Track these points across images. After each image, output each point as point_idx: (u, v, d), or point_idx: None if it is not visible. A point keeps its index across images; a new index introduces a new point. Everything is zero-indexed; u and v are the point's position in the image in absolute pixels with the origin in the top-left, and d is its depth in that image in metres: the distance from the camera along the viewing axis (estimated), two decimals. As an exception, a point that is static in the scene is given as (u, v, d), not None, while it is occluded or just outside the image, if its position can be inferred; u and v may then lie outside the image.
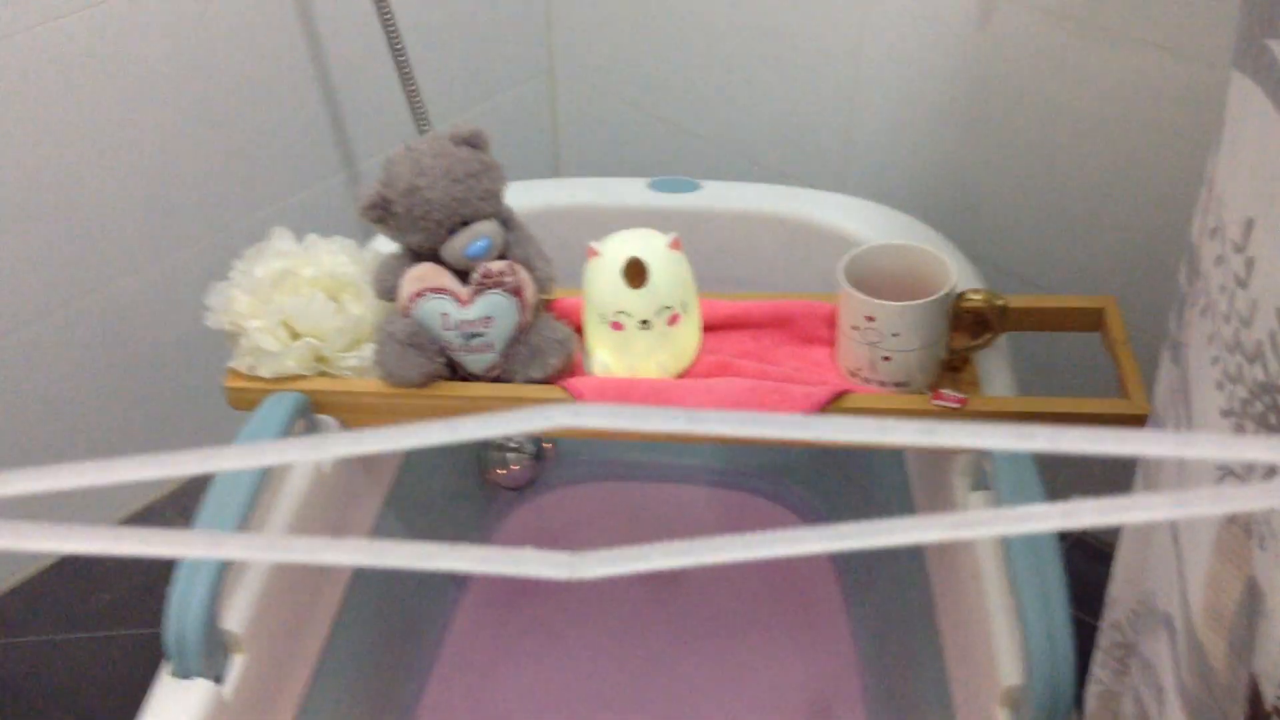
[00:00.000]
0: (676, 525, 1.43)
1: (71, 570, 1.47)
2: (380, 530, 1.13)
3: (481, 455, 1.38)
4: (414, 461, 1.21)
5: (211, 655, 0.82)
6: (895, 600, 1.17)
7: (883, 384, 0.98)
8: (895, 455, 1.20)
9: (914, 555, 1.10)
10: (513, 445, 1.38)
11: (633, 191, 1.26)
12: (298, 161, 1.49)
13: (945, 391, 0.96)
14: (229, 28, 1.36)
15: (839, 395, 0.97)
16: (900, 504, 1.16)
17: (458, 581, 1.32)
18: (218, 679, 0.83)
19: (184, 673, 0.81)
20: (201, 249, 1.45)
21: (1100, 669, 0.73)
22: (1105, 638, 0.71)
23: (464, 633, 1.28)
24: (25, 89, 1.23)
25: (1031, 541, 0.82)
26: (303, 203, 1.52)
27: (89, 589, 1.45)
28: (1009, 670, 0.81)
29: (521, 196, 1.02)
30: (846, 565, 1.31)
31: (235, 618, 0.85)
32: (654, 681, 1.26)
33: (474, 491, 1.37)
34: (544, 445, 1.39)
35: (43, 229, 1.31)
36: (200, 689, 0.81)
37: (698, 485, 1.45)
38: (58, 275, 1.34)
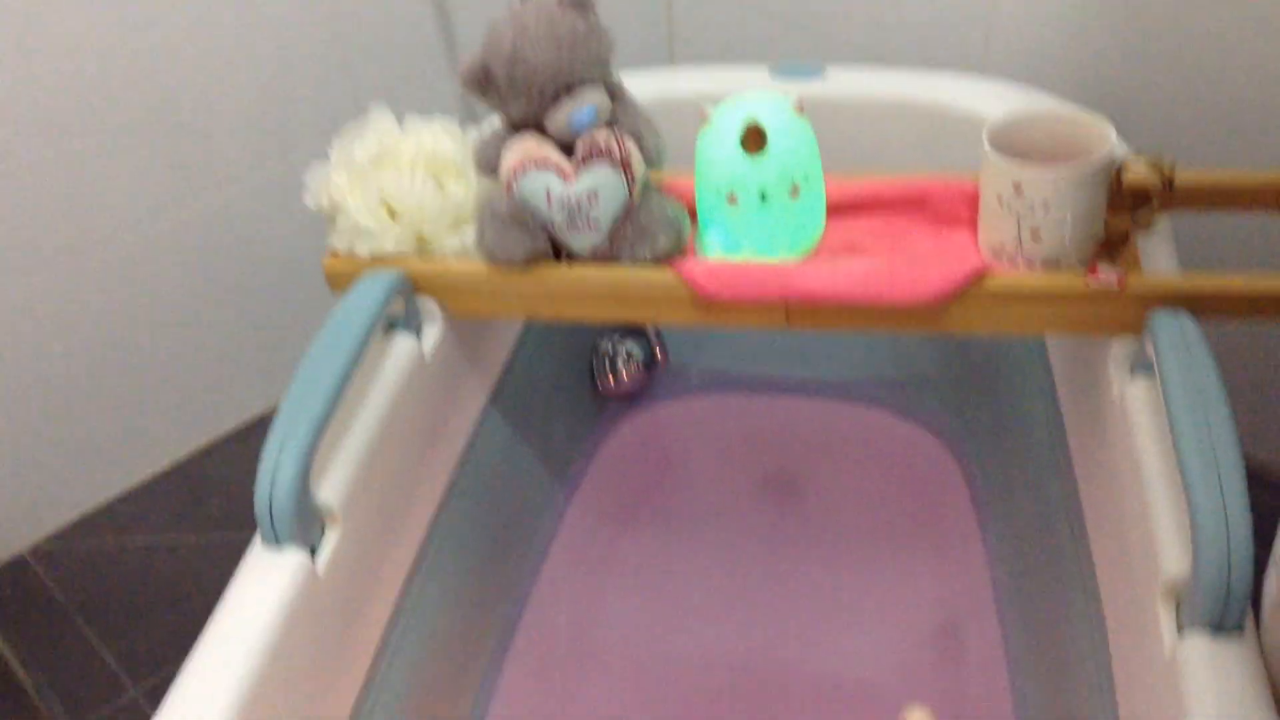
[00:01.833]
0: (796, 440, 1.35)
1: (183, 475, 1.48)
2: (483, 430, 1.08)
3: (592, 362, 1.32)
4: (522, 362, 1.16)
5: (304, 526, 0.78)
6: (1033, 510, 1.07)
7: (1030, 263, 0.89)
8: (1038, 355, 1.10)
9: (1057, 455, 1.00)
10: (623, 353, 1.32)
11: (753, 79, 1.18)
12: (399, 49, 1.45)
13: (1102, 269, 0.86)
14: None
15: (980, 274, 0.88)
16: (1046, 409, 1.07)
17: (566, 482, 1.27)
18: (311, 552, 0.79)
19: (275, 541, 0.78)
20: (310, 150, 1.42)
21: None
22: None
23: (571, 535, 1.24)
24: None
25: (1203, 419, 0.73)
26: (405, 85, 1.48)
27: (201, 494, 1.45)
28: (1173, 561, 0.72)
29: (633, 86, 0.95)
30: (980, 475, 1.22)
31: (330, 490, 0.81)
32: (770, 597, 1.20)
33: (583, 399, 1.32)
34: (656, 354, 1.33)
35: (158, 132, 1.30)
36: (292, 558, 0.77)
37: (819, 399, 1.37)
38: (169, 178, 1.33)
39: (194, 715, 0.69)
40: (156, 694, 1.24)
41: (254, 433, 1.53)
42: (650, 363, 1.33)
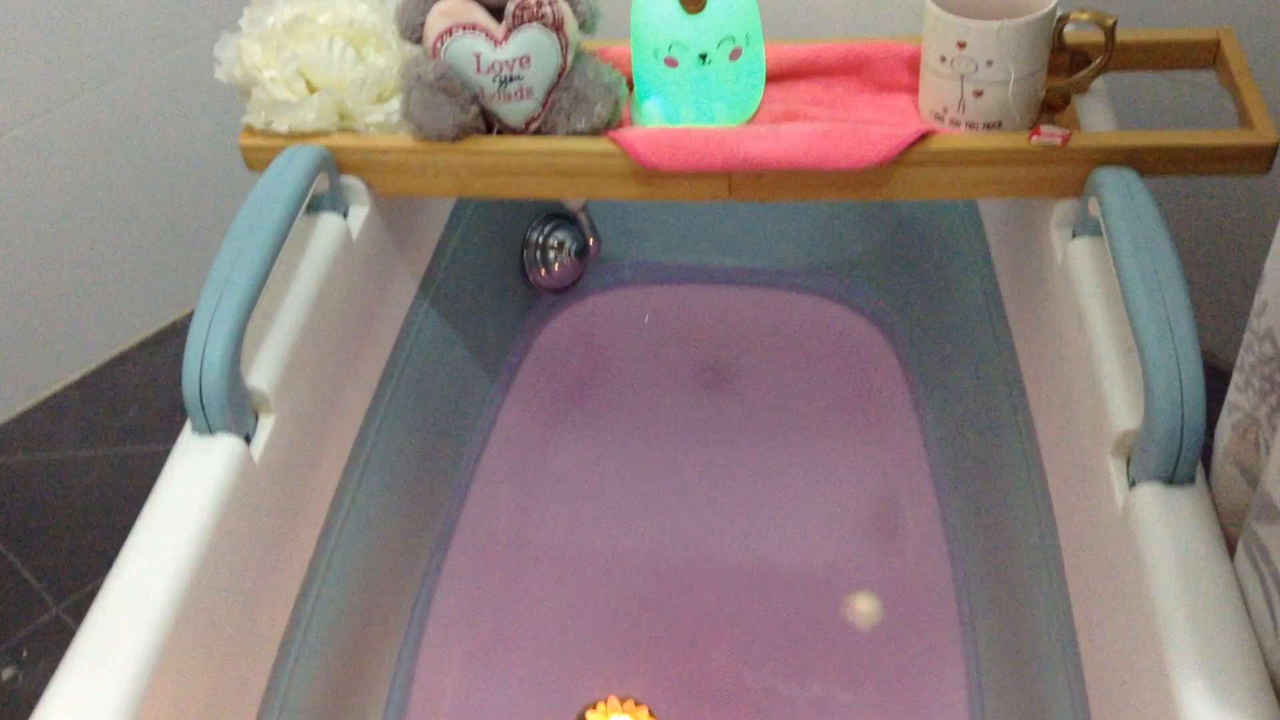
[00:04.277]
0: (731, 330, 1.34)
1: (96, 386, 1.41)
2: (415, 319, 1.05)
3: (523, 253, 1.29)
4: (452, 251, 1.13)
5: (237, 413, 0.74)
6: (971, 386, 1.08)
7: (972, 125, 0.87)
8: (973, 229, 1.10)
9: (994, 328, 1.00)
10: (554, 243, 1.29)
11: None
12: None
13: (1045, 128, 0.85)
14: None
15: (924, 137, 0.86)
16: (982, 283, 1.06)
17: (501, 374, 1.24)
18: (246, 440, 0.76)
19: (208, 429, 0.74)
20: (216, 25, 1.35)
21: (1239, 394, 0.64)
22: (1250, 353, 0.62)
23: (507, 429, 1.21)
24: None
25: (1152, 271, 0.72)
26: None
27: (116, 405, 1.39)
28: (1124, 416, 0.72)
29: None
30: (916, 357, 1.22)
31: (261, 376, 0.78)
32: (706, 488, 1.19)
33: (515, 290, 1.29)
34: (589, 244, 1.30)
35: (52, 16, 1.21)
36: (226, 445, 0.73)
37: (754, 288, 1.36)
38: (67, 66, 1.25)
39: (132, 610, 0.65)
40: (80, 610, 1.19)
41: (170, 339, 1.47)
42: (582, 253, 1.30)
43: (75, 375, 1.41)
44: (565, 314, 1.33)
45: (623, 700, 0.95)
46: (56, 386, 1.40)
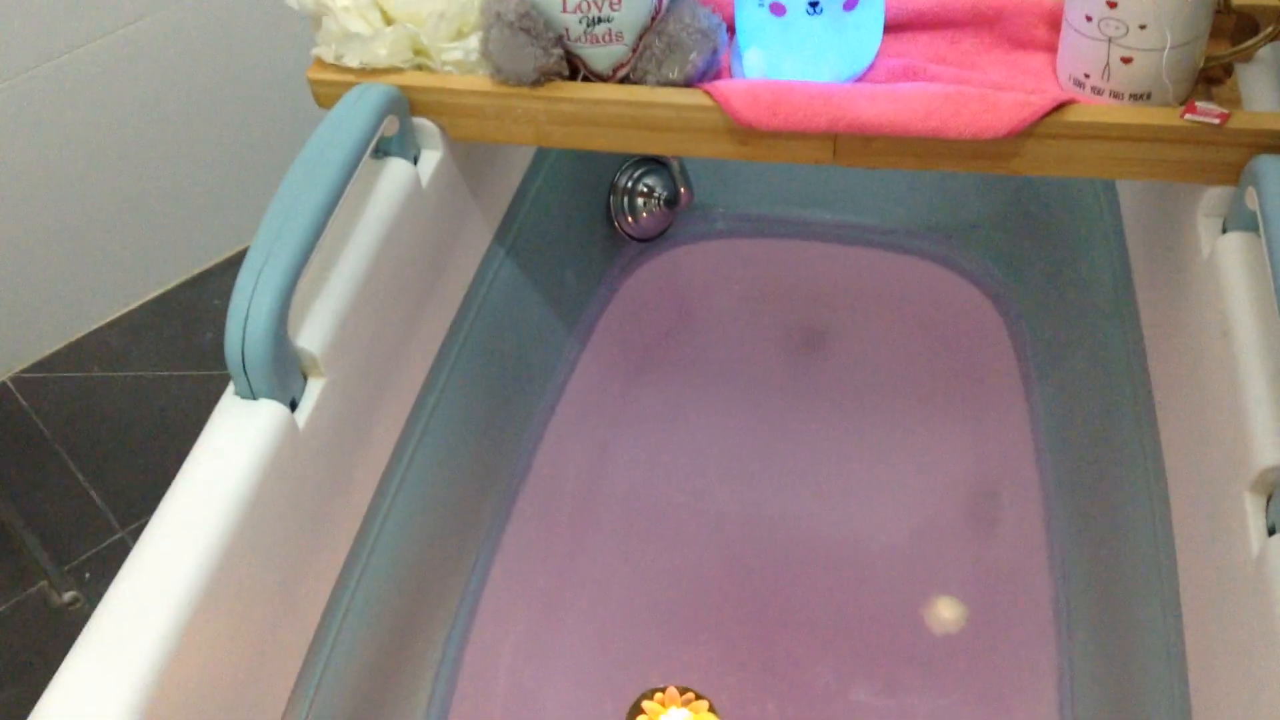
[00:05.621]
0: (827, 289, 1.26)
1: (174, 306, 1.39)
2: (488, 271, 0.98)
3: (609, 199, 1.21)
4: (532, 197, 1.06)
5: (283, 376, 0.69)
6: (1089, 375, 0.98)
7: (1117, 95, 0.77)
8: (1108, 203, 0.99)
9: (1122, 317, 0.90)
10: (643, 189, 1.21)
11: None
12: None
13: (1201, 104, 0.74)
14: None
15: (1060, 107, 0.76)
16: (1112, 265, 0.96)
17: (579, 328, 1.18)
18: (292, 406, 0.71)
19: (250, 393, 0.69)
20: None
21: None
22: None
23: (582, 385, 1.15)
24: None
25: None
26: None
27: (192, 327, 1.37)
28: (1268, 448, 0.63)
29: None
30: (1029, 333, 1.12)
31: (311, 336, 0.72)
32: (790, 455, 1.12)
33: (598, 239, 1.22)
34: (680, 191, 1.22)
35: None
36: (268, 411, 0.68)
37: (854, 246, 1.26)
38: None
39: (161, 578, 0.61)
40: (145, 535, 1.18)
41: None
42: (673, 201, 1.22)
43: (153, 294, 1.39)
44: (651, 265, 1.26)
45: (682, 691, 0.89)
46: (134, 304, 1.39)
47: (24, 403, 1.31)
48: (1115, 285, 0.94)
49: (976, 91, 0.77)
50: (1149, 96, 0.76)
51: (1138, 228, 0.92)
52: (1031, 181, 1.13)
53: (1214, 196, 0.77)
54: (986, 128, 0.76)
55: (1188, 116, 0.74)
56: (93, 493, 1.24)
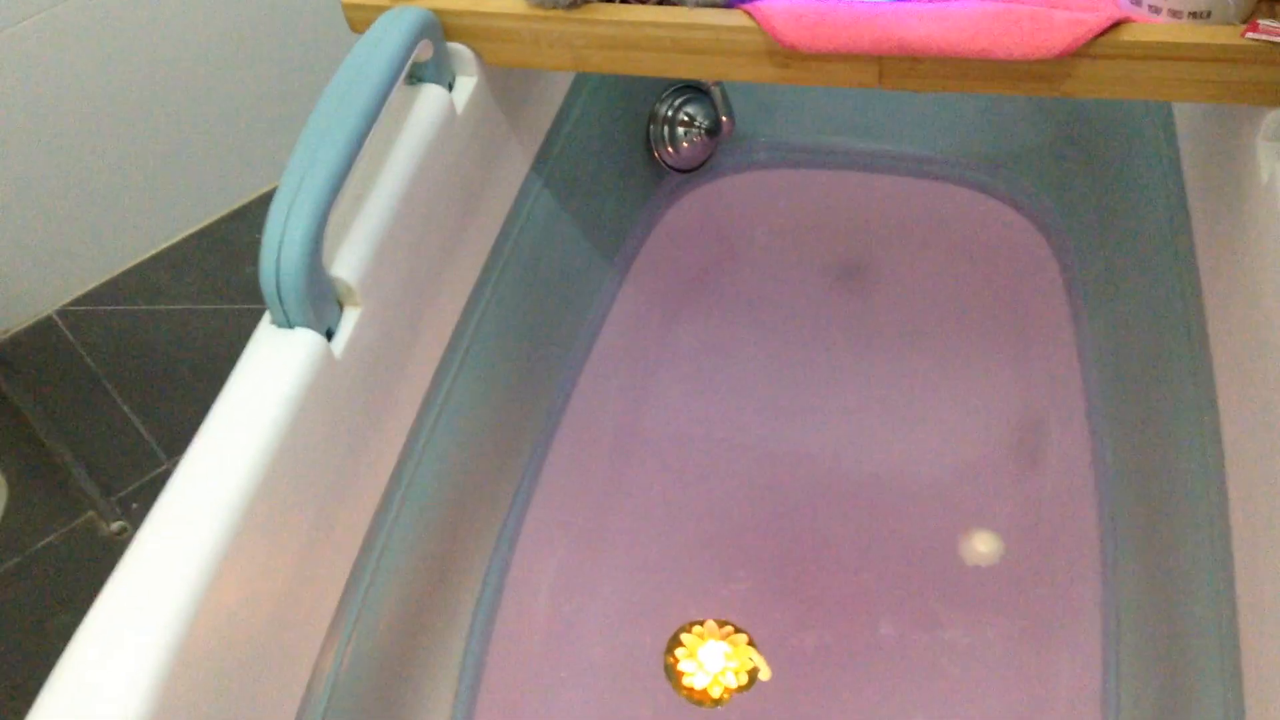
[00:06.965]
0: (872, 220, 1.23)
1: (215, 240, 1.39)
2: (524, 201, 0.97)
3: (649, 128, 1.19)
4: (570, 125, 1.04)
5: (318, 305, 0.69)
6: (1141, 308, 0.95)
7: (1175, 13, 0.74)
8: (1163, 128, 0.95)
9: (1177, 247, 0.87)
10: (684, 118, 1.19)
11: None
12: None
13: (1264, 22, 0.71)
14: None
15: (1117, 25, 0.73)
16: (1167, 194, 0.93)
17: (618, 260, 1.16)
18: (328, 336, 0.70)
19: (285, 322, 0.69)
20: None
21: None
22: None
23: (622, 318, 1.14)
24: None
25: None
26: None
27: (233, 260, 1.37)
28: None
29: None
30: (1079, 265, 1.10)
31: (346, 265, 0.72)
32: (833, 390, 1.11)
33: (638, 169, 1.20)
34: (721, 121, 1.19)
35: None
36: (303, 340, 0.68)
37: (899, 175, 1.23)
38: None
39: (199, 507, 0.61)
40: (191, 466, 1.19)
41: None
42: (714, 130, 1.19)
43: (195, 227, 1.40)
44: (692, 196, 1.24)
45: (721, 624, 0.89)
46: (177, 238, 1.39)
47: (70, 336, 1.32)
48: (1170, 213, 0.91)
49: (1028, 9, 0.74)
50: (1209, 14, 0.73)
51: (1194, 153, 0.89)
52: (1083, 106, 1.09)
53: (1275, 119, 0.74)
54: (1038, 48, 0.73)
55: (1250, 35, 0.71)
56: (139, 424, 1.25)
